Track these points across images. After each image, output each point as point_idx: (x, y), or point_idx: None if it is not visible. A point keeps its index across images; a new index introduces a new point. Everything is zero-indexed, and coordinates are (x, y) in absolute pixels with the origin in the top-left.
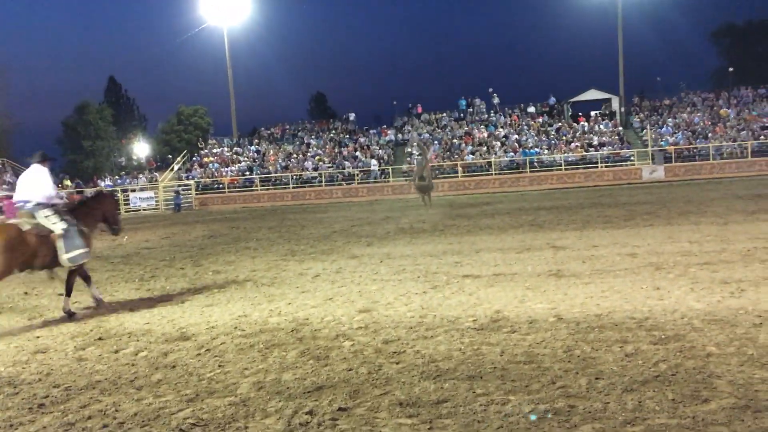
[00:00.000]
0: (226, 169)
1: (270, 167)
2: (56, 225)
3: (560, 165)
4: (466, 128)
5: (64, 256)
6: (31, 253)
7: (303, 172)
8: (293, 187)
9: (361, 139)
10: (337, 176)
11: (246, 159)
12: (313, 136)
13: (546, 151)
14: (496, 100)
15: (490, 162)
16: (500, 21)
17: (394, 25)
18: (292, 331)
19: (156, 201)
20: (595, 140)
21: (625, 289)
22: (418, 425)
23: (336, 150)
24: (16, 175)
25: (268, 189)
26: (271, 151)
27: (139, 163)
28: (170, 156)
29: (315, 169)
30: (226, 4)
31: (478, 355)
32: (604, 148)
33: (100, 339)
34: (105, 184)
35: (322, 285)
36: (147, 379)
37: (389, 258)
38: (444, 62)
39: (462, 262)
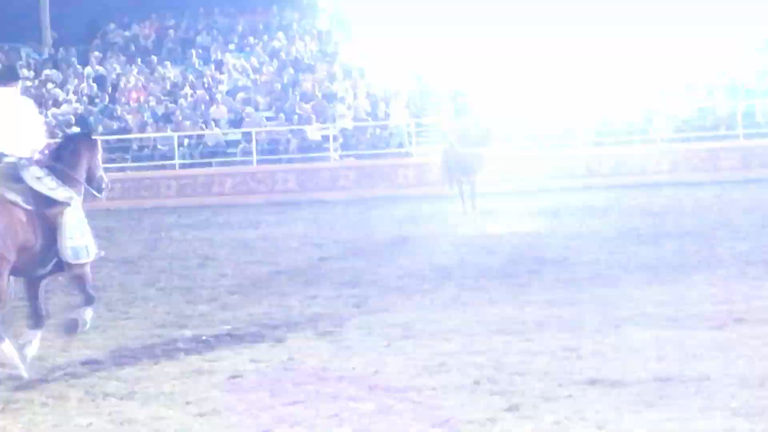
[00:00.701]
0: None
1: (129, 117)
2: (57, 192)
3: None
4: None
5: (68, 246)
6: (26, 243)
7: (207, 131)
8: (183, 165)
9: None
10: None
11: (73, 98)
12: (233, 46)
13: None
14: None
15: None
16: None
17: None
18: None
19: None
20: None
21: None
22: None
23: (281, 77)
24: None
25: (124, 167)
26: (133, 79)
27: None
28: None
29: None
30: None
31: None
32: None
33: None
34: None
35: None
36: None
37: (408, 337)
38: None
39: (579, 351)
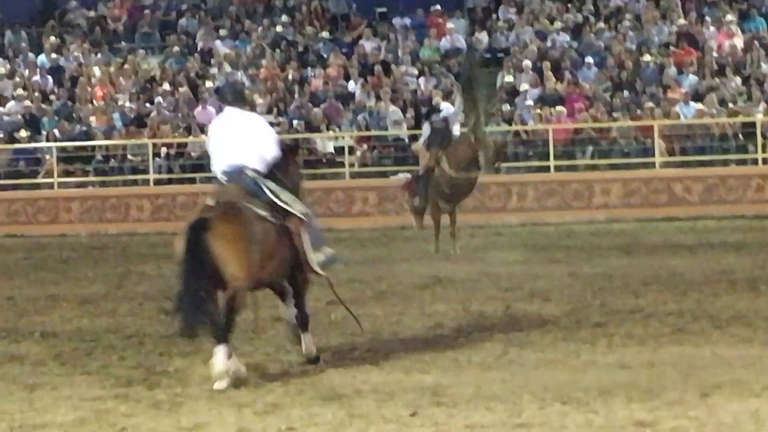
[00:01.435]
0: None
1: (93, 119)
2: (294, 205)
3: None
4: None
5: (315, 259)
6: (275, 255)
7: (191, 139)
8: (159, 181)
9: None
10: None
11: (23, 93)
12: (225, 31)
13: None
14: None
15: None
16: None
17: None
18: None
19: None
20: None
21: None
22: None
23: (285, 73)
24: None
25: (85, 182)
26: (98, 72)
27: None
28: None
29: None
30: None
31: None
32: None
33: None
34: None
35: None
36: None
37: (439, 404)
38: None
39: (656, 426)
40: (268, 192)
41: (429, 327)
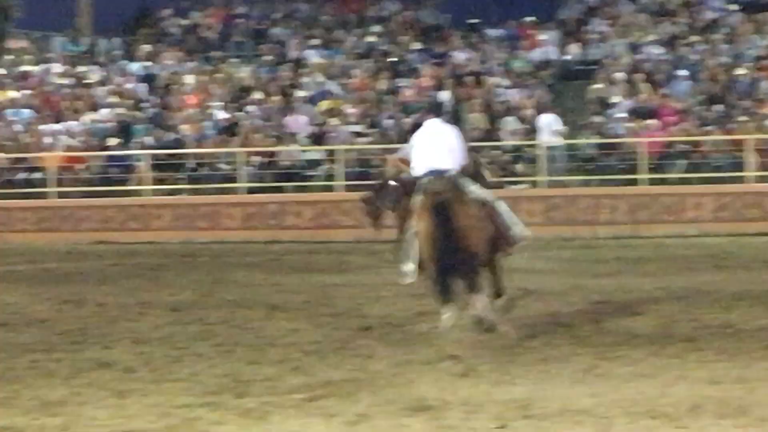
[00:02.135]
0: (52, 129)
1: (185, 127)
2: (485, 193)
3: None
4: None
5: (514, 229)
6: (489, 234)
7: (282, 148)
8: (250, 190)
9: (460, 55)
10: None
11: (115, 100)
12: (318, 40)
13: None
14: None
15: None
16: None
17: None
18: None
19: None
20: None
21: None
22: None
23: (381, 84)
24: None
25: (176, 189)
26: (191, 80)
27: None
28: None
29: (314, 139)
30: None
31: None
32: None
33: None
34: None
35: None
36: None
37: (527, 417)
38: None
39: None
40: (465, 186)
41: (518, 339)
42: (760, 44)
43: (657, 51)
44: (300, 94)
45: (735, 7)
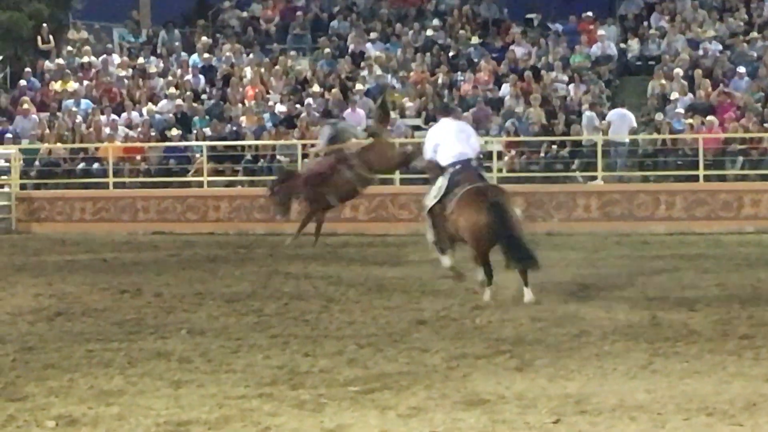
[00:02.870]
0: (111, 120)
1: (243, 119)
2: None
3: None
4: None
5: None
6: None
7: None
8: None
9: (518, 48)
10: None
11: (174, 92)
12: (376, 33)
13: None
14: None
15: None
16: None
17: None
18: None
19: None
20: None
21: None
22: None
23: (439, 78)
24: None
25: (235, 181)
26: (250, 72)
27: None
28: None
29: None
30: None
31: None
32: None
33: None
34: None
35: None
36: None
37: (582, 413)
38: None
39: None
40: (483, 174)
41: (574, 335)
42: None
43: (716, 47)
44: (359, 87)
45: None
